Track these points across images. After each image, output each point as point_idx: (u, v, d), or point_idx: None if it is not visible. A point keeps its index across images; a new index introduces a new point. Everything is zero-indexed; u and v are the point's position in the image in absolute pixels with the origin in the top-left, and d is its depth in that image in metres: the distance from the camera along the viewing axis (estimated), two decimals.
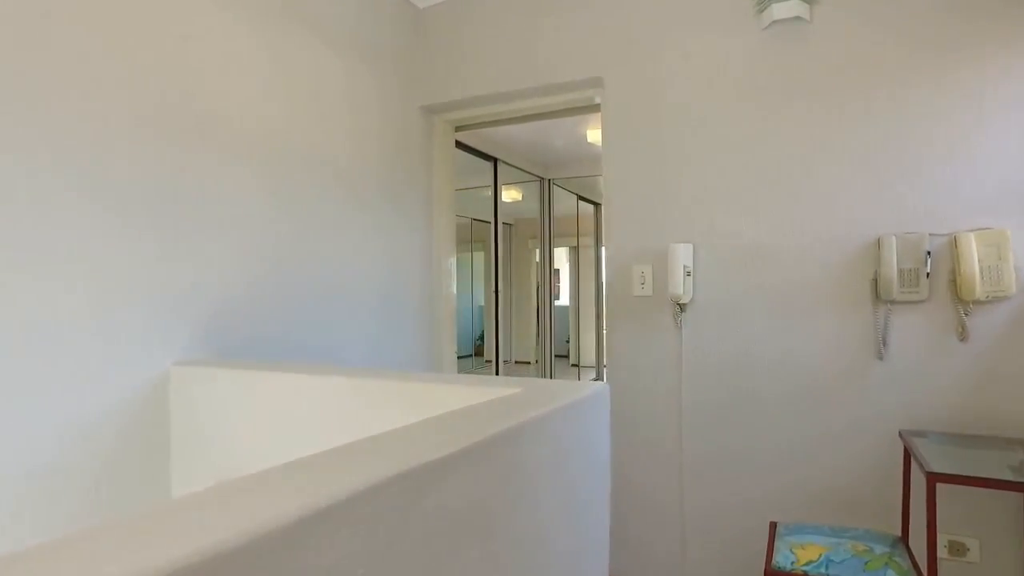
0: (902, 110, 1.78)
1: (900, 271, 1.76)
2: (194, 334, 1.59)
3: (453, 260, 4.33)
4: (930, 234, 1.75)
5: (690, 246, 2.02)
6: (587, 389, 1.05)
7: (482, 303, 8.56)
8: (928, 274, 1.74)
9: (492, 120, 2.68)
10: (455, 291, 4.40)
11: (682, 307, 2.04)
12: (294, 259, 1.89)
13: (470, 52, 2.42)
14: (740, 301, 1.96)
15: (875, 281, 1.80)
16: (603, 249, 2.27)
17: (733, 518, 1.98)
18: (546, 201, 6.08)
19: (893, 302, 1.79)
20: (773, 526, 1.74)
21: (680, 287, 1.97)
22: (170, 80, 1.54)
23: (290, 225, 1.87)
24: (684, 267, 1.99)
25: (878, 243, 1.78)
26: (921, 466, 1.38)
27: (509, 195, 6.98)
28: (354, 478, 0.52)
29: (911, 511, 1.73)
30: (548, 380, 1.15)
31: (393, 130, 2.33)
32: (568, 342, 8.57)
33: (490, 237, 5.20)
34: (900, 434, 1.70)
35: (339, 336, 2.04)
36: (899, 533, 1.76)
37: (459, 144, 4.64)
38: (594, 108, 2.41)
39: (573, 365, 8.04)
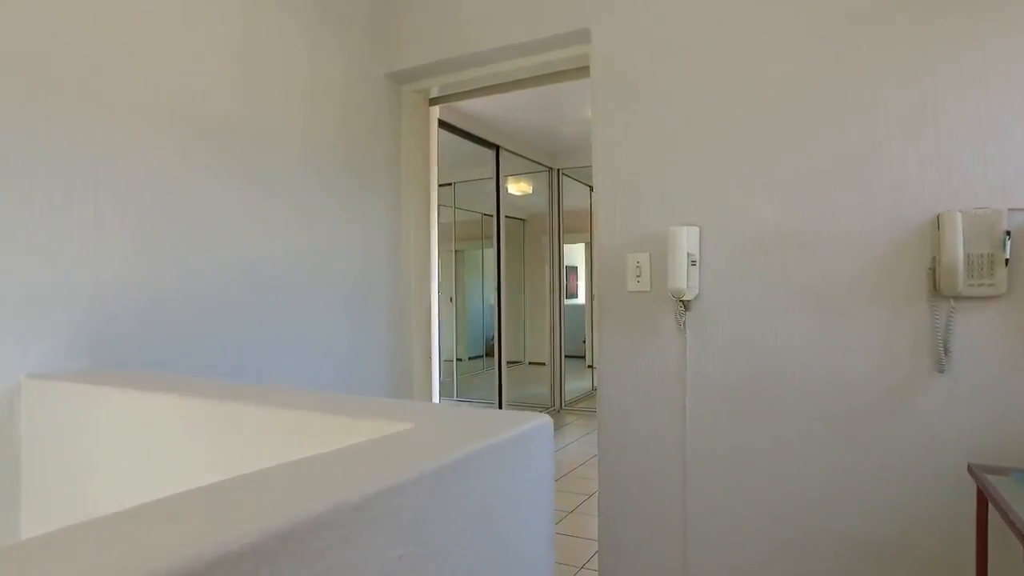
0: (967, 51, 1.37)
1: (968, 257, 1.36)
2: (66, 341, 1.27)
3: (432, 256, 3.97)
4: (1009, 209, 1.34)
5: (695, 229, 1.64)
6: (508, 429, 0.69)
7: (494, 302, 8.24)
8: (1007, 260, 1.33)
9: (470, 89, 2.32)
10: (435, 290, 4.06)
11: (686, 305, 1.66)
12: (214, 247, 1.56)
13: (439, 6, 2.07)
14: (758, 298, 1.57)
15: (933, 271, 1.40)
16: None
17: (752, 574, 1.59)
18: (555, 192, 5.70)
19: (958, 298, 1.38)
20: None
21: (683, 280, 1.59)
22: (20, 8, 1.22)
23: (206, 206, 1.55)
24: (688, 255, 1.61)
25: (937, 222, 1.38)
26: (1015, 526, 0.98)
27: (518, 188, 6.63)
28: None
29: (988, 571, 1.32)
30: (467, 411, 0.79)
31: (346, 97, 1.99)
32: (585, 342, 8.18)
33: (493, 232, 4.85)
34: (970, 469, 1.29)
35: (272, 342, 1.71)
36: None
37: (456, 130, 4.30)
38: (586, 72, 2.04)
39: (589, 366, 7.65)
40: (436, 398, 4.03)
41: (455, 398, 5.97)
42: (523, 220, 8.27)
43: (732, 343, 1.60)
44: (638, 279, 1.73)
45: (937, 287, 1.39)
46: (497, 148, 4.75)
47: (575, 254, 8.54)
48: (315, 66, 1.87)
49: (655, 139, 1.70)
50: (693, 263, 1.63)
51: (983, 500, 1.30)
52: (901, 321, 1.43)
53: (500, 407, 4.80)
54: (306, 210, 1.82)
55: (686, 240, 1.60)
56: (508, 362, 8.45)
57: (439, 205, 6.71)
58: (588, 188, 6.46)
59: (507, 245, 8.38)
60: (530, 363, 8.35)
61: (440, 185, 6.26)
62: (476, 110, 4.25)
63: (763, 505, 1.56)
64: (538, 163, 5.37)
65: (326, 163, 1.90)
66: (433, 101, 2.39)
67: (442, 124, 4.16)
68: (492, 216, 4.89)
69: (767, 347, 1.56)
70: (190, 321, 1.49)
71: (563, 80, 2.13)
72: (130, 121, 1.39)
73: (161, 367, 1.44)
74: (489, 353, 7.68)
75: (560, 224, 5.72)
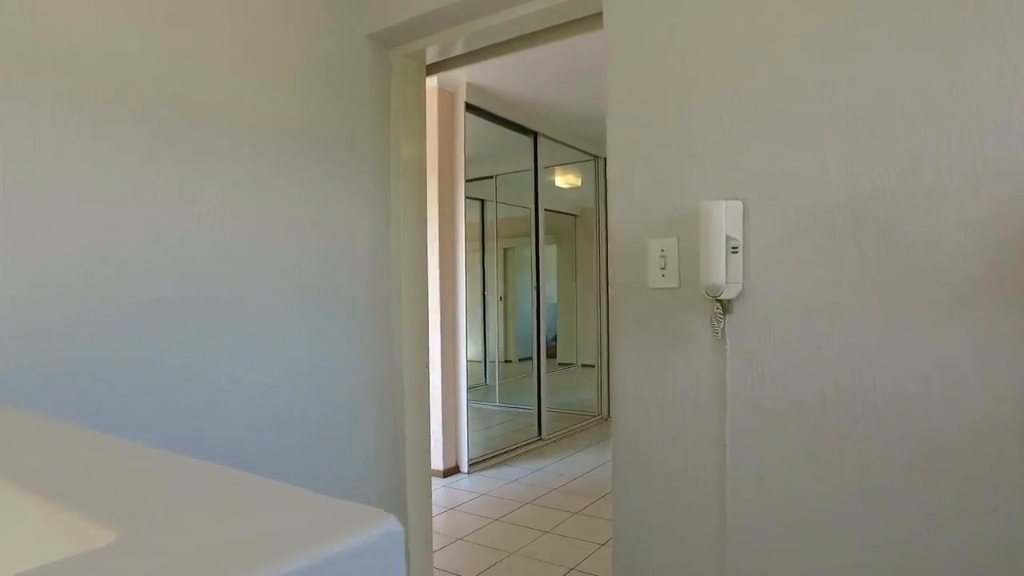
0: None
1: None
2: None
3: (459, 255, 3.65)
4: None
5: (737, 205, 1.22)
6: (284, 560, 0.33)
7: (552, 301, 7.90)
8: None
9: (473, 51, 1.98)
10: (462, 292, 3.72)
11: (725, 305, 1.25)
12: (118, 236, 1.28)
13: None
14: (824, 296, 1.14)
15: None
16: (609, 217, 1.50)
17: None
18: (601, 183, 5.28)
19: None
20: None
21: (721, 273, 1.18)
22: None
23: (108, 186, 1.27)
24: (728, 240, 1.20)
25: None
26: None
27: (565, 180, 6.24)
28: None
29: None
30: (248, 494, 0.44)
31: (320, 64, 1.68)
32: None
33: (531, 225, 4.49)
34: None
35: (224, 356, 1.42)
36: None
37: (487, 114, 3.97)
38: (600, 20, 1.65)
39: None
40: (463, 412, 3.71)
41: (497, 403, 5.65)
42: (575, 216, 7.86)
43: (788, 357, 1.18)
44: (663, 272, 1.33)
45: None
46: (535, 135, 4.38)
47: None
48: (268, 18, 1.57)
49: (682, 88, 1.30)
50: (734, 250, 1.22)
51: None
52: None
53: (539, 415, 4.43)
54: (259, 197, 1.53)
55: (724, 219, 1.19)
56: (560, 364, 8.07)
57: (482, 200, 6.40)
58: None
59: (559, 242, 8.00)
60: (583, 365, 7.93)
61: (480, 178, 5.96)
62: (510, 93, 3.90)
63: None
64: (581, 151, 4.97)
65: (288, 140, 1.60)
66: (431, 69, 2.06)
67: (472, 108, 3.84)
68: (539, 211, 4.52)
69: (838, 364, 1.13)
70: (71, 337, 1.22)
71: (579, 31, 1.75)
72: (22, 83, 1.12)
73: (28, 401, 1.17)
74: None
75: (607, 216, 5.28)
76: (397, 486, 1.89)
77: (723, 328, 1.25)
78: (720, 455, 1.25)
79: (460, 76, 3.62)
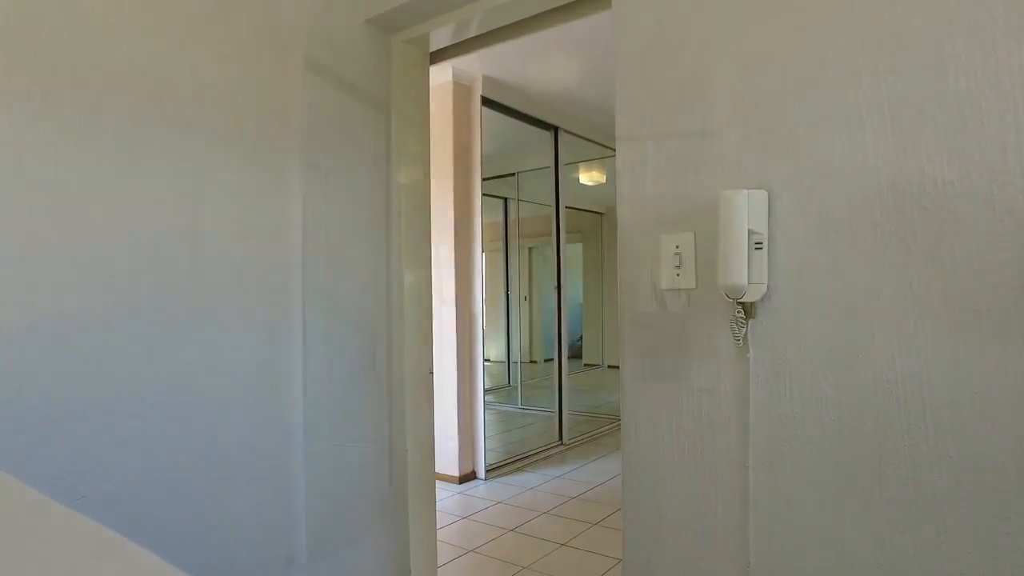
0: None
1: None
2: None
3: (476, 256, 3.53)
4: None
5: (762, 195, 1.08)
6: None
7: (579, 300, 7.72)
8: None
9: (479, 35, 1.85)
10: (479, 293, 3.60)
11: (748, 309, 1.10)
12: (103, 244, 1.20)
13: None
14: (867, 300, 0.98)
15: None
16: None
17: None
18: None
19: None
20: None
21: (743, 272, 1.04)
22: None
23: (93, 186, 1.18)
24: (751, 235, 1.05)
25: None
26: None
27: (590, 177, 6.08)
28: None
29: None
30: None
31: (312, 51, 1.58)
32: None
33: (552, 224, 4.35)
34: None
35: (186, 360, 1.33)
36: None
37: (505, 108, 3.84)
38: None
39: None
40: (479, 416, 3.60)
41: (519, 406, 5.52)
42: (600, 214, 7.68)
43: (821, 369, 1.02)
44: (677, 271, 1.19)
45: None
46: (555, 129, 4.24)
47: None
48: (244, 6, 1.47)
49: (698, 63, 1.15)
50: (758, 246, 1.07)
51: None
52: None
53: (560, 418, 4.29)
54: (236, 193, 1.43)
55: (747, 211, 1.04)
56: (586, 365, 7.88)
57: (504, 199, 6.26)
58: None
59: (585, 241, 7.81)
60: (609, 366, 7.74)
61: (502, 176, 5.81)
62: (529, 86, 3.77)
63: None
64: (604, 146, 4.80)
65: (274, 133, 1.50)
66: (435, 57, 1.95)
67: (489, 103, 3.72)
68: (567, 209, 4.36)
69: (881, 379, 0.97)
70: (32, 341, 1.13)
71: (587, 11, 1.62)
72: None
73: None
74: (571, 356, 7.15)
75: (616, 209, 5.09)
76: (398, 493, 1.78)
77: (745, 335, 1.10)
78: (743, 480, 1.10)
79: (476, 69, 3.50)
